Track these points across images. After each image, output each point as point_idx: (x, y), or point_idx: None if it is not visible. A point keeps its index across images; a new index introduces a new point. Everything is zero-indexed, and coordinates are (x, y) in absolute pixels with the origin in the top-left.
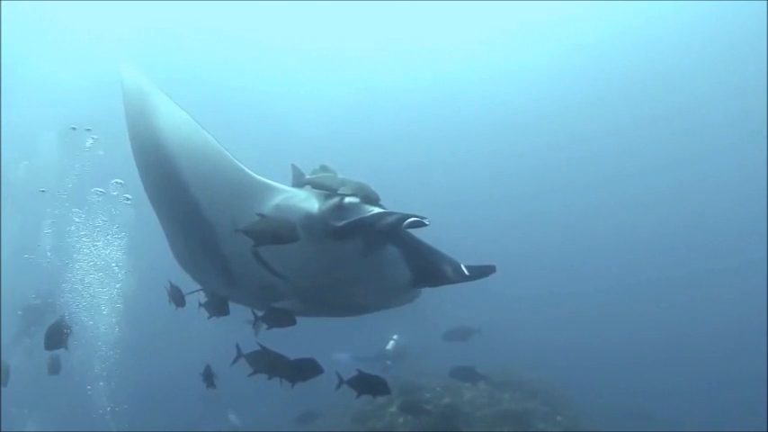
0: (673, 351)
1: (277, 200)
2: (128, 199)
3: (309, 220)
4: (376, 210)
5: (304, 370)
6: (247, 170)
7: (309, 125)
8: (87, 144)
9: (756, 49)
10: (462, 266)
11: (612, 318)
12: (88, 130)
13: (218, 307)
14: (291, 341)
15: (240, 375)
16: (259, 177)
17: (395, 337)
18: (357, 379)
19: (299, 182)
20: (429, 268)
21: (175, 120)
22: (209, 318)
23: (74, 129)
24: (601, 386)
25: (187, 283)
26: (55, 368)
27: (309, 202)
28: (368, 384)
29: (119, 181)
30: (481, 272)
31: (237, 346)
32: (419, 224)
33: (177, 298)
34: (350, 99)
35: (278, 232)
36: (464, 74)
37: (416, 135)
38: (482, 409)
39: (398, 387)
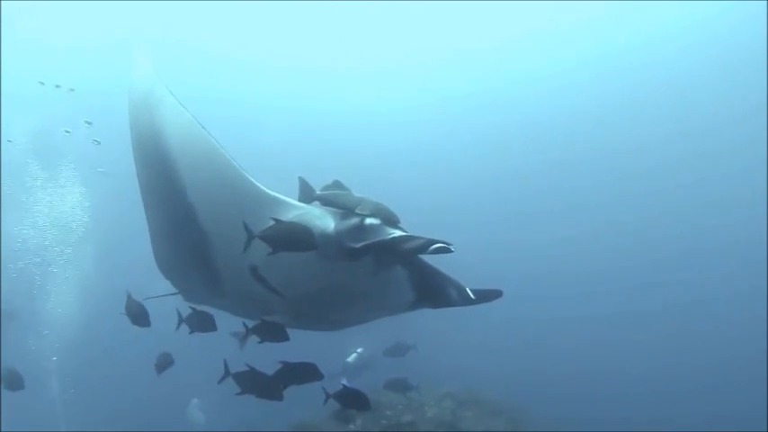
0: (655, 377)
1: (289, 216)
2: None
3: (324, 240)
4: (398, 232)
5: (304, 374)
6: (256, 182)
7: (303, 138)
8: None
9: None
10: (468, 290)
11: (596, 340)
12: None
13: (202, 322)
14: (254, 357)
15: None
16: (269, 191)
17: (359, 350)
18: (341, 393)
19: (307, 196)
20: (434, 291)
21: (180, 121)
22: (191, 333)
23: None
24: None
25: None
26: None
27: (324, 220)
28: (350, 399)
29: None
30: (487, 296)
31: (225, 364)
32: (445, 250)
33: (139, 317)
34: (351, 114)
35: (295, 238)
36: (473, 84)
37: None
38: (444, 427)
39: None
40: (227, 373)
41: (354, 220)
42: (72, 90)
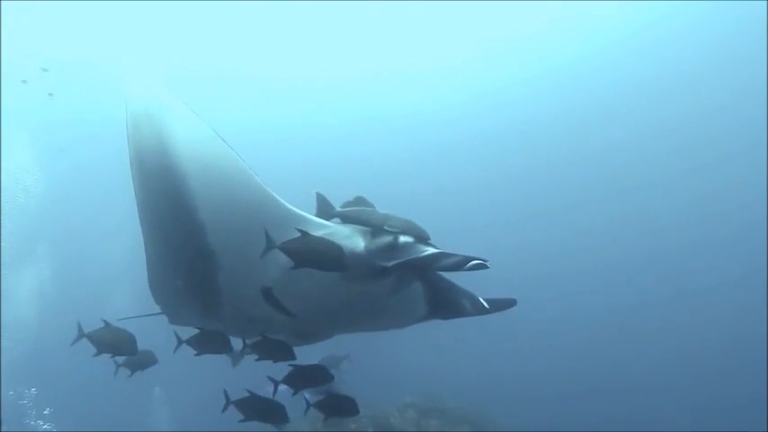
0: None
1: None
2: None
3: (354, 260)
4: (431, 250)
5: (313, 378)
6: (279, 198)
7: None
8: None
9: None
10: (481, 300)
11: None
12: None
13: (214, 343)
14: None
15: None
16: (293, 208)
17: (324, 356)
18: (326, 400)
19: (325, 213)
20: (448, 303)
21: (195, 134)
22: (197, 355)
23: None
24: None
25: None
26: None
27: (354, 239)
28: (336, 405)
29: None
30: (501, 305)
31: (226, 393)
32: (482, 266)
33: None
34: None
35: (324, 256)
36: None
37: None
38: None
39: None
40: (228, 401)
41: (386, 239)
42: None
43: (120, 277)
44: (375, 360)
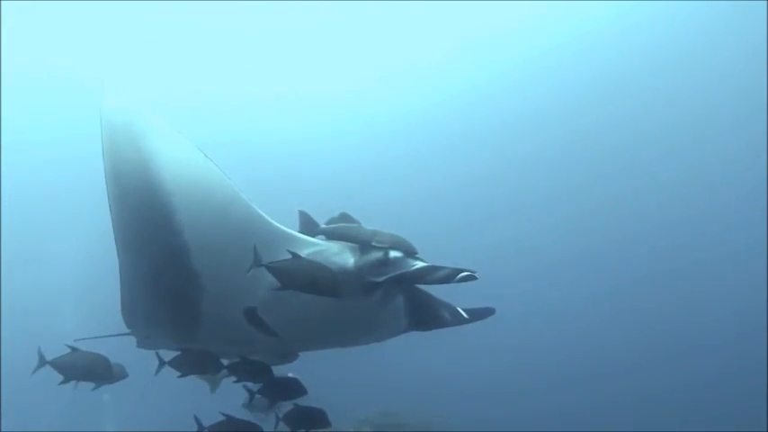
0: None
1: (305, 254)
2: None
3: (345, 277)
4: (420, 263)
5: (287, 390)
6: (266, 217)
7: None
8: None
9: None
10: (460, 310)
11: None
12: None
13: (201, 364)
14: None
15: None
16: (281, 226)
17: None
18: (295, 413)
19: (309, 231)
20: (429, 316)
21: (179, 152)
22: (181, 377)
23: None
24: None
25: None
26: None
27: (343, 256)
28: (306, 418)
29: None
30: (480, 314)
31: (197, 420)
32: (471, 278)
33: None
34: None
35: (317, 279)
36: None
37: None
38: None
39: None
40: (200, 427)
41: (376, 255)
42: None
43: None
44: (336, 371)
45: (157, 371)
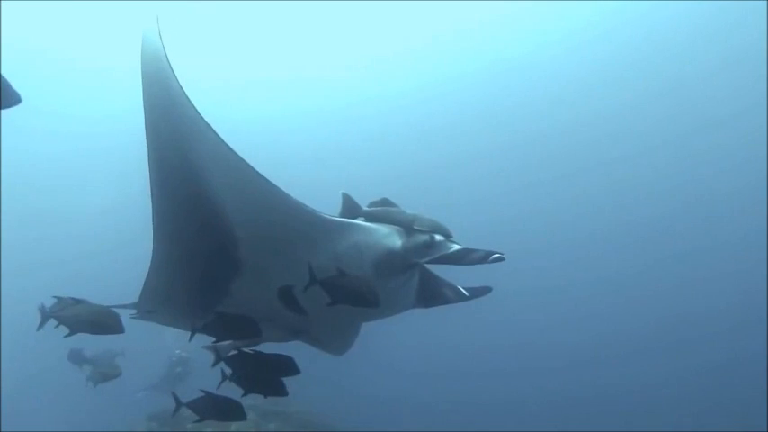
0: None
1: (356, 238)
2: None
3: (391, 257)
4: (456, 246)
5: (281, 368)
6: (318, 211)
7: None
8: None
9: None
10: (461, 288)
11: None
12: None
13: (238, 327)
14: None
15: None
16: (331, 217)
17: (178, 352)
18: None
19: (351, 213)
20: (434, 293)
21: (218, 143)
22: (215, 342)
23: None
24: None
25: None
26: None
27: (392, 238)
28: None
29: None
30: (479, 292)
31: (175, 397)
32: (500, 259)
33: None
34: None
35: (363, 294)
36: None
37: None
38: None
39: (157, 416)
40: (178, 404)
41: (422, 238)
42: None
43: None
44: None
45: (190, 337)
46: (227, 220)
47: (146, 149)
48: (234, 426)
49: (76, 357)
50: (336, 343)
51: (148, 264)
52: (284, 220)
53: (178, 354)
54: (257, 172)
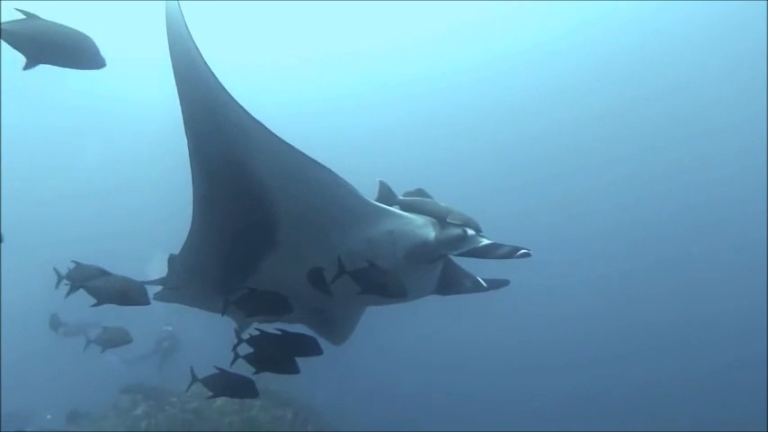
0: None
1: (392, 225)
2: None
3: (424, 248)
4: (486, 240)
5: (303, 347)
6: (360, 193)
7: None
8: None
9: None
10: (480, 279)
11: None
12: None
13: (271, 305)
14: None
15: None
16: (373, 202)
17: (167, 328)
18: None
19: (388, 201)
20: (453, 282)
21: (264, 131)
22: (248, 317)
23: None
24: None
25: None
26: None
27: (426, 229)
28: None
29: None
30: (496, 284)
31: (192, 372)
32: (527, 255)
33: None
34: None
35: (389, 286)
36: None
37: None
38: (230, 416)
39: (143, 390)
40: (194, 379)
41: (456, 231)
42: None
43: None
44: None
45: (222, 312)
46: (269, 197)
47: (179, 133)
48: (219, 401)
49: (55, 323)
50: (342, 330)
51: (149, 250)
52: (325, 199)
53: (166, 329)
54: (298, 150)
